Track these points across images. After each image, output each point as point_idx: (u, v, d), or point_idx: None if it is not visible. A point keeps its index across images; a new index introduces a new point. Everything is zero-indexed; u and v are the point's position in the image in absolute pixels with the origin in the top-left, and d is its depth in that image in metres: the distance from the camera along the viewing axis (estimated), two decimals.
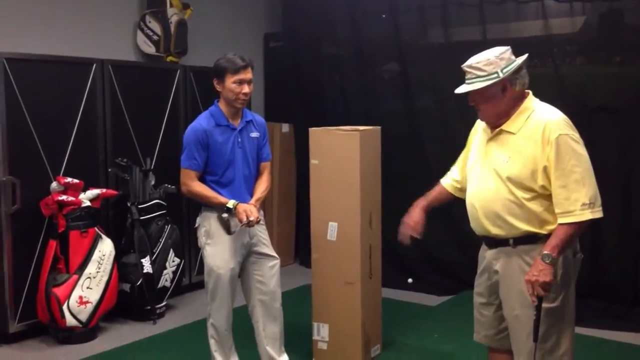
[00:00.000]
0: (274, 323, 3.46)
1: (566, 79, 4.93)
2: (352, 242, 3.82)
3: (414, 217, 2.98)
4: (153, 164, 5.02)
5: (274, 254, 3.47)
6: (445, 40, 5.52)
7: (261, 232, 3.45)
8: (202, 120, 3.32)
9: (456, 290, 5.27)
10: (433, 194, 3.10)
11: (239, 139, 3.35)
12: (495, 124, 2.64)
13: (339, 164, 3.81)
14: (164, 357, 4.12)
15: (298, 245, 6.34)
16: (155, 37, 5.43)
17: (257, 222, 3.25)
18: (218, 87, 3.31)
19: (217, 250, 3.31)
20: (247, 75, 3.26)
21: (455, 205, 5.38)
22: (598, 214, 2.46)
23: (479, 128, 2.81)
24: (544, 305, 2.51)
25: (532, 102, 2.62)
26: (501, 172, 2.57)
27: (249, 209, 3.20)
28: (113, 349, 4.22)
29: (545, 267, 2.44)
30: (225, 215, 3.26)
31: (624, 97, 4.66)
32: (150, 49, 5.45)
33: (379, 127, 4.05)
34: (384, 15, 5.85)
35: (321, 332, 3.92)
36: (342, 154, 3.81)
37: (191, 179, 3.30)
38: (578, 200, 2.43)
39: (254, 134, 3.44)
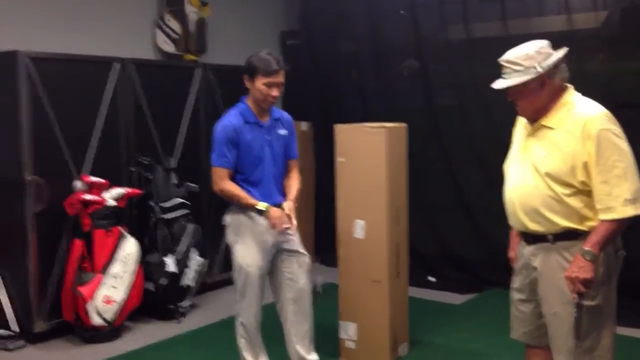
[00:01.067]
0: (303, 321, 3.42)
1: (590, 74, 4.86)
2: (380, 240, 3.80)
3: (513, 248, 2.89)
4: (176, 162, 5.02)
5: (304, 251, 3.43)
6: (465, 36, 5.48)
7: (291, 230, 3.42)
8: (232, 118, 3.28)
9: (479, 289, 5.24)
10: None
11: (268, 137, 3.32)
12: (534, 119, 2.60)
13: (366, 161, 3.79)
14: (190, 356, 4.11)
15: (317, 243, 6.31)
16: (174, 36, 5.42)
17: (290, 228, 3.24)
18: (247, 84, 3.28)
19: (247, 249, 3.29)
20: (279, 79, 3.23)
21: (477, 204, 5.45)
22: (638, 210, 2.41)
23: (520, 124, 2.78)
24: (584, 303, 2.48)
25: (572, 97, 2.58)
26: (540, 167, 2.54)
27: (283, 217, 3.19)
28: (139, 349, 4.22)
29: (585, 264, 2.41)
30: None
31: None
32: (169, 47, 5.44)
33: (405, 125, 4.03)
34: (402, 12, 5.81)
35: (348, 331, 3.90)
36: (369, 151, 3.79)
37: (223, 177, 3.26)
38: (620, 196, 2.40)
39: (282, 132, 3.40)
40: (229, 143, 3.23)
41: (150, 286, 4.64)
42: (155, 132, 4.96)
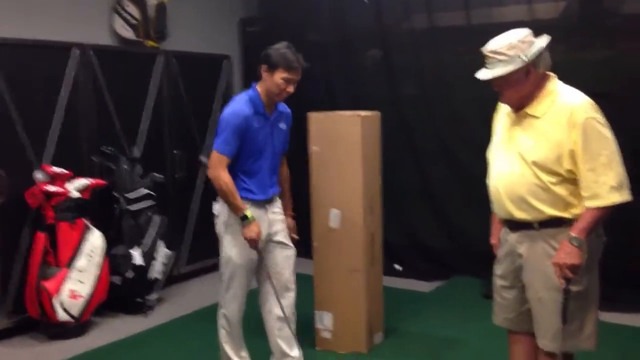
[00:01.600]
0: (287, 314, 3.38)
1: (556, 65, 4.96)
2: (355, 229, 3.79)
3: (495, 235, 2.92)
4: (139, 152, 4.88)
5: (290, 243, 3.41)
6: (429, 25, 5.51)
7: (280, 221, 3.39)
8: (243, 105, 3.18)
9: (445, 276, 5.31)
10: None
11: (271, 130, 3.28)
12: (520, 107, 2.62)
13: (341, 150, 3.77)
14: (159, 351, 4.02)
15: None
16: (133, 21, 5.25)
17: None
18: (264, 75, 3.20)
19: (237, 241, 3.22)
20: (297, 76, 3.20)
21: (443, 192, 5.51)
22: (626, 197, 2.47)
23: (502, 112, 2.80)
24: (571, 288, 2.53)
25: (556, 85, 2.61)
26: (527, 156, 2.56)
27: (258, 237, 3.17)
28: (107, 345, 4.10)
29: (572, 250, 2.46)
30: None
31: (610, 83, 4.72)
32: (128, 33, 5.26)
33: (379, 113, 4.02)
34: (366, 0, 5.80)
35: (324, 321, 3.89)
36: (344, 139, 3.76)
37: (222, 165, 3.16)
38: (606, 184, 2.44)
39: (283, 126, 3.37)
40: (237, 131, 3.14)
41: (117, 280, 4.52)
42: (117, 120, 4.82)
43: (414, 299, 4.86)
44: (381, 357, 3.81)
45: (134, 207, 4.59)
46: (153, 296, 4.69)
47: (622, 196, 2.46)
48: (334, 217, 3.82)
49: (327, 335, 3.89)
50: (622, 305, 4.52)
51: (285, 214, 3.45)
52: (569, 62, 4.94)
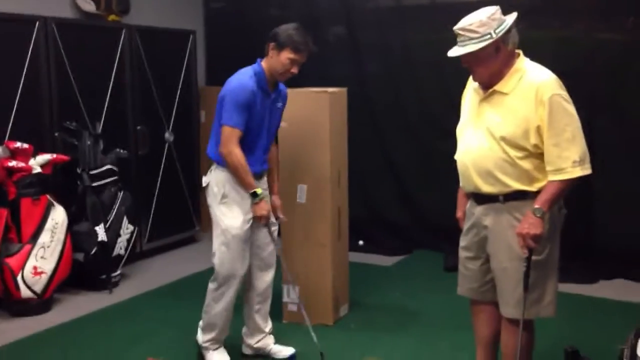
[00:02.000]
0: (267, 289, 3.43)
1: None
2: (323, 204, 3.84)
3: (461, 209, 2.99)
4: (100, 127, 4.82)
5: (273, 219, 3.40)
6: (394, 3, 5.56)
7: (265, 198, 3.35)
8: (249, 80, 3.15)
9: (408, 251, 5.42)
10: None
11: (270, 108, 3.26)
12: (489, 85, 2.69)
13: (309, 126, 3.80)
14: (125, 327, 4.01)
15: None
16: None
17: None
18: (271, 53, 3.18)
19: (233, 212, 3.20)
20: (303, 58, 3.20)
21: (405, 168, 5.60)
22: (587, 170, 2.57)
23: (470, 89, 2.87)
24: (533, 257, 2.64)
25: (523, 63, 2.68)
26: (495, 131, 2.63)
27: (269, 213, 3.26)
28: (71, 320, 4.08)
29: (535, 221, 2.55)
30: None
31: (569, 61, 4.86)
32: (89, 6, 5.18)
33: (345, 89, 4.06)
34: None
35: (291, 294, 3.94)
36: (313, 115, 3.80)
37: (235, 140, 3.11)
38: (569, 158, 2.53)
39: (279, 104, 3.36)
40: (246, 105, 3.11)
41: (80, 256, 4.48)
42: (80, 96, 4.74)
43: (377, 272, 4.96)
44: (347, 329, 3.89)
45: (96, 183, 4.54)
46: (116, 273, 4.67)
47: (583, 170, 2.56)
48: (301, 192, 3.86)
49: (293, 308, 3.95)
50: (575, 275, 4.69)
51: (272, 193, 3.43)
52: (530, 39, 5.05)
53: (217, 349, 3.39)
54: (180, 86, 5.62)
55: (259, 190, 3.17)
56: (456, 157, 2.83)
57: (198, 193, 5.72)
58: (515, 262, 2.67)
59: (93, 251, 4.47)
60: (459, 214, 3.00)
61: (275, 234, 3.44)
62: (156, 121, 5.40)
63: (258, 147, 3.25)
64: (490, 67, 2.63)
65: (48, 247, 4.16)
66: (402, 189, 5.63)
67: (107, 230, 4.54)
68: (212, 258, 3.28)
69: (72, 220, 4.47)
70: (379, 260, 5.26)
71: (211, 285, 3.32)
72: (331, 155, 3.82)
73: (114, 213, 4.63)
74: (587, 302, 4.32)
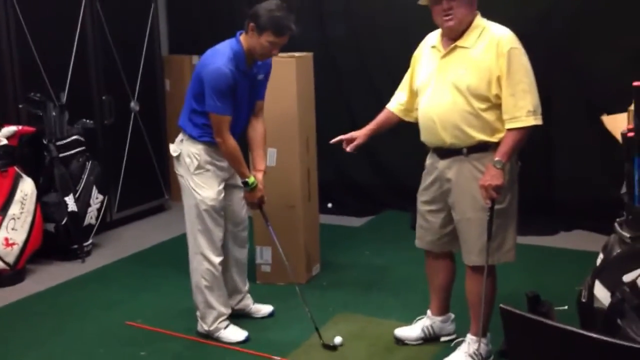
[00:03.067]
0: (241, 251, 3.50)
1: None
2: (292, 167, 3.92)
3: (355, 133, 3.16)
4: (65, 97, 4.78)
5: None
6: None
7: (256, 185, 3.36)
8: (228, 63, 3.04)
9: (376, 212, 5.55)
10: (381, 117, 3.25)
11: (249, 84, 3.21)
12: (457, 34, 2.79)
13: (276, 91, 3.82)
14: (101, 293, 4.07)
15: None
16: None
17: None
18: (250, 33, 3.06)
19: (207, 183, 3.21)
20: (285, 41, 3.10)
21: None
22: (539, 121, 2.74)
23: (424, 49, 3.00)
24: (495, 207, 2.78)
25: (482, 21, 2.83)
26: (460, 83, 2.76)
27: (260, 200, 3.32)
28: (47, 289, 4.12)
29: (497, 172, 2.70)
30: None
31: (525, 20, 4.93)
32: None
33: (311, 54, 4.11)
34: None
35: (264, 256, 4.04)
36: (280, 80, 3.82)
37: (226, 127, 3.08)
38: (524, 108, 2.69)
39: (260, 77, 3.28)
40: (229, 90, 3.05)
41: (50, 227, 4.50)
42: (42, 66, 4.68)
43: (346, 233, 5.08)
44: (319, 288, 4.01)
45: (64, 154, 4.54)
46: (88, 242, 4.69)
47: (536, 120, 2.72)
48: (271, 155, 3.92)
49: (267, 269, 4.05)
50: (536, 228, 4.89)
51: (256, 169, 3.35)
52: (488, 1, 5.16)
53: (227, 326, 3.36)
54: (143, 55, 5.58)
55: (250, 180, 3.20)
56: (419, 113, 2.94)
57: (166, 162, 5.73)
58: (479, 213, 2.81)
59: (64, 221, 4.49)
60: (364, 131, 3.17)
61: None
62: (121, 91, 5.37)
63: (239, 122, 3.23)
64: (468, 12, 2.76)
65: (18, 218, 4.16)
66: (368, 150, 5.67)
67: (76, 200, 4.55)
68: (187, 232, 3.30)
69: (41, 192, 4.47)
70: (348, 221, 5.38)
71: (192, 261, 3.30)
72: (299, 119, 3.89)
73: (83, 183, 4.64)
74: (548, 253, 4.53)
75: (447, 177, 2.89)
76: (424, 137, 2.96)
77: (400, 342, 3.25)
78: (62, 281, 4.24)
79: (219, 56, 3.07)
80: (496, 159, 2.71)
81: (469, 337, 3.00)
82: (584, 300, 2.23)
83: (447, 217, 2.98)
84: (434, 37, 2.96)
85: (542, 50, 4.97)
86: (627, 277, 2.09)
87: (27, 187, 4.25)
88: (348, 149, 3.17)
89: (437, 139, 2.87)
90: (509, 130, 2.71)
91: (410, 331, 3.25)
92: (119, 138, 5.38)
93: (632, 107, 2.27)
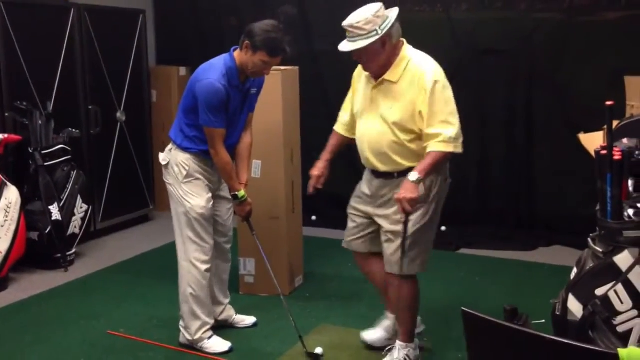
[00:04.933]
0: (224, 265, 3.53)
1: (456, 23, 5.28)
2: (277, 179, 3.97)
3: (318, 170, 3.27)
4: (51, 107, 4.80)
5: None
6: None
7: (246, 199, 3.40)
8: (221, 79, 3.08)
9: None
10: (331, 142, 3.37)
11: (242, 99, 3.25)
12: (379, 74, 2.90)
13: (262, 103, 3.87)
14: (83, 302, 4.07)
15: None
16: None
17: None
18: (245, 50, 3.10)
19: (197, 190, 3.23)
20: (278, 62, 3.14)
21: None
22: (459, 149, 2.83)
23: (363, 74, 3.06)
24: (416, 220, 2.89)
25: (407, 52, 2.92)
26: (387, 118, 2.89)
27: (249, 214, 3.37)
28: (29, 297, 4.12)
29: (411, 186, 2.78)
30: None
31: (509, 41, 5.09)
32: None
33: (297, 67, 4.18)
34: None
35: (247, 267, 4.07)
36: (265, 93, 3.86)
37: (220, 141, 3.13)
38: (445, 135, 2.78)
39: (254, 91, 3.31)
40: (222, 105, 3.09)
41: (34, 236, 4.50)
42: (29, 75, 4.70)
43: (329, 245, 5.07)
44: (302, 299, 4.04)
45: (49, 162, 4.55)
46: (71, 251, 4.69)
47: (456, 148, 2.81)
48: (256, 167, 3.97)
49: (250, 280, 4.08)
50: (516, 244, 5.00)
51: (239, 182, 3.33)
52: (473, 19, 5.26)
53: (211, 337, 3.36)
54: (131, 66, 5.62)
55: (240, 193, 3.26)
56: (356, 138, 3.08)
57: (151, 172, 5.76)
58: (398, 227, 2.92)
59: (47, 230, 4.50)
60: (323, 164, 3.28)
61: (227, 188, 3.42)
62: (108, 101, 5.40)
63: (232, 136, 3.27)
64: (379, 60, 2.86)
65: (2, 226, 4.17)
66: (352, 163, 5.74)
67: (61, 209, 4.56)
68: (176, 240, 3.31)
69: (26, 200, 4.48)
70: (331, 234, 5.39)
71: (181, 269, 3.31)
72: (284, 131, 3.94)
73: (67, 192, 4.65)
74: (527, 267, 4.60)
75: (380, 193, 3.03)
76: (362, 159, 3.10)
77: (369, 346, 3.35)
78: (44, 290, 4.24)
79: (213, 71, 3.10)
80: (412, 172, 2.80)
81: (398, 344, 3.13)
82: (557, 314, 2.29)
83: (371, 223, 3.10)
84: None
85: (524, 68, 5.10)
86: (599, 291, 2.16)
87: (11, 195, 4.26)
88: (311, 190, 3.28)
89: (369, 164, 3.03)
90: (429, 152, 2.80)
91: (376, 334, 3.36)
92: (104, 148, 5.40)
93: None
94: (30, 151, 4.54)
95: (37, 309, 3.96)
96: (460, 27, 5.26)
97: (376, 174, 3.02)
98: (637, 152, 2.25)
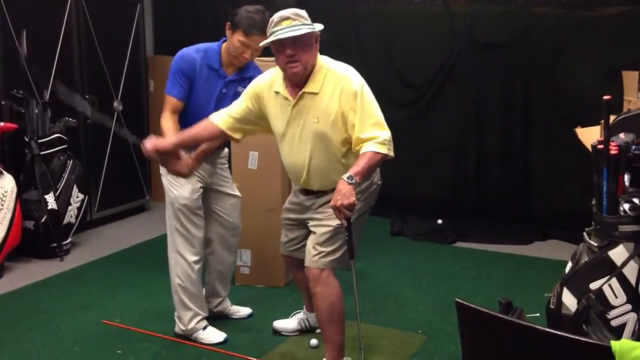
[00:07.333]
0: (228, 256, 3.50)
1: (455, 16, 5.27)
2: (273, 170, 3.96)
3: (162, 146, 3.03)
4: (48, 95, 4.78)
5: (236, 192, 3.46)
6: None
7: (222, 172, 3.40)
8: (194, 51, 3.09)
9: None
10: (195, 132, 3.03)
11: (223, 91, 3.17)
12: (301, 79, 2.75)
13: None
14: (78, 291, 4.07)
15: None
16: None
17: None
18: (227, 33, 3.08)
19: (180, 180, 3.19)
20: (255, 44, 3.00)
21: None
22: (392, 153, 2.71)
23: (267, 92, 2.88)
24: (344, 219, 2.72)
25: (322, 60, 2.81)
26: (317, 133, 2.76)
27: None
28: (24, 286, 4.12)
29: (348, 189, 2.61)
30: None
31: (508, 34, 5.08)
32: None
33: None
34: None
35: (243, 258, 4.07)
36: None
37: (168, 107, 3.10)
38: (376, 138, 2.67)
39: (241, 89, 3.14)
40: (182, 74, 3.07)
41: (30, 225, 4.49)
42: (26, 64, 4.66)
43: None
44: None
45: (45, 151, 4.54)
46: (67, 241, 4.69)
47: (390, 151, 2.70)
48: (253, 158, 3.97)
49: (246, 271, 4.08)
50: (513, 238, 5.01)
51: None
52: (473, 13, 5.24)
53: (206, 327, 3.36)
54: (128, 55, 5.60)
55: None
56: (284, 160, 2.95)
57: (148, 162, 5.75)
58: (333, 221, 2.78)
59: (43, 219, 4.49)
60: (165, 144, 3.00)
61: (237, 205, 3.46)
62: (105, 90, 5.38)
63: (199, 117, 3.11)
64: (310, 57, 2.73)
65: None
66: None
67: (57, 199, 4.55)
68: (167, 229, 3.31)
69: (22, 189, 4.47)
70: None
71: (170, 260, 3.31)
72: None
73: (63, 181, 4.64)
74: (523, 261, 4.61)
75: (307, 205, 2.95)
76: (292, 179, 3.02)
77: (277, 333, 3.42)
78: (40, 279, 4.24)
79: (191, 47, 3.15)
80: (348, 174, 2.63)
81: None
82: (552, 307, 2.29)
83: (299, 228, 3.06)
84: (277, 83, 2.85)
85: (522, 62, 5.09)
86: (594, 285, 2.16)
87: (7, 184, 4.25)
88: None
89: (305, 184, 2.92)
90: (364, 153, 2.66)
91: (288, 323, 3.43)
92: (101, 137, 5.38)
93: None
94: (27, 140, 4.53)
95: (32, 298, 3.96)
96: (459, 20, 5.25)
97: (306, 192, 2.94)
98: (633, 147, 2.25)
